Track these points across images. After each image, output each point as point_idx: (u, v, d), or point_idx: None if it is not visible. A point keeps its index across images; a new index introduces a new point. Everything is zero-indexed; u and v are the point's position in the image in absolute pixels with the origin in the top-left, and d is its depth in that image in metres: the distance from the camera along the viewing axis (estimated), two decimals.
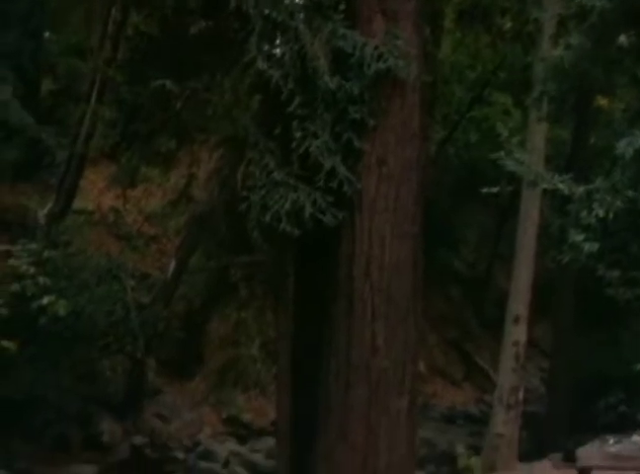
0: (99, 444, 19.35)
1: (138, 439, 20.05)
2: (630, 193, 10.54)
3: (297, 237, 10.83)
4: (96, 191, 23.98)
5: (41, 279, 12.92)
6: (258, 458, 19.53)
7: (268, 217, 10.61)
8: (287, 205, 10.51)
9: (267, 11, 11.08)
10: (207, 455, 19.59)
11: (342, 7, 11.26)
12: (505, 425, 16.63)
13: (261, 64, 10.86)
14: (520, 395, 16.88)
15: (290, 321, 11.81)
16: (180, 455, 19.79)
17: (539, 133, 17.04)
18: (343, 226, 11.19)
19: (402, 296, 11.48)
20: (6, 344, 13.29)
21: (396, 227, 11.51)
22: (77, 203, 22.10)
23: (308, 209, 10.53)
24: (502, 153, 11.67)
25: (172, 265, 21.60)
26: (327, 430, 11.17)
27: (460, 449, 19.36)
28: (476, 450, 18.34)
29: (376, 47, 11.05)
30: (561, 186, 11.25)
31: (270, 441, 18.20)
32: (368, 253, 11.27)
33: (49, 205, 20.71)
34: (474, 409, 25.33)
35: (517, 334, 16.89)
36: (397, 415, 11.31)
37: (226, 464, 19.34)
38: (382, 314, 11.29)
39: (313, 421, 11.27)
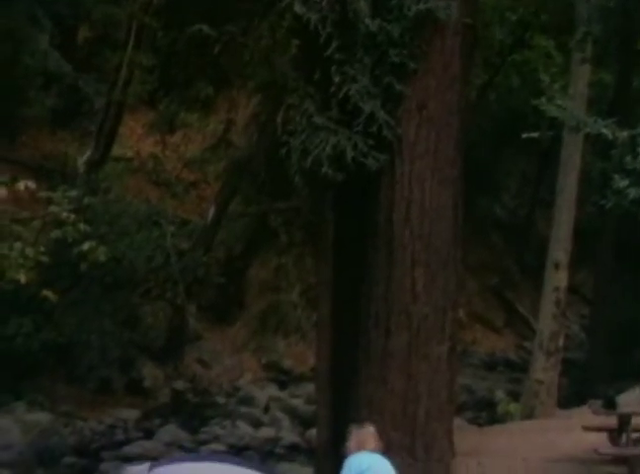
0: (141, 389, 19.58)
1: (179, 384, 20.27)
2: None
3: (337, 182, 10.75)
4: (135, 137, 24.04)
5: (82, 226, 12.93)
6: (298, 404, 19.66)
7: (309, 162, 10.52)
8: (328, 149, 10.40)
9: None
10: (248, 400, 19.75)
11: None
12: (544, 371, 16.57)
13: (299, 8, 10.68)
14: (561, 341, 16.80)
15: (330, 267, 11.76)
16: (221, 400, 19.98)
17: (582, 77, 16.74)
18: (383, 171, 11.07)
19: (442, 243, 11.38)
20: (46, 293, 13.37)
21: (436, 172, 11.37)
22: (116, 150, 22.19)
23: (349, 153, 10.41)
24: (543, 99, 11.48)
25: (211, 210, 21.65)
26: (367, 376, 11.17)
27: (500, 396, 19.36)
28: (515, 397, 18.33)
29: None
30: (604, 130, 11.06)
31: (310, 387, 18.30)
32: (409, 198, 11.16)
33: (88, 153, 20.82)
34: (514, 356, 25.31)
35: (557, 280, 16.76)
36: (437, 361, 11.28)
37: (267, 409, 19.49)
38: (422, 260, 11.20)
39: (353, 367, 11.27)
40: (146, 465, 7.29)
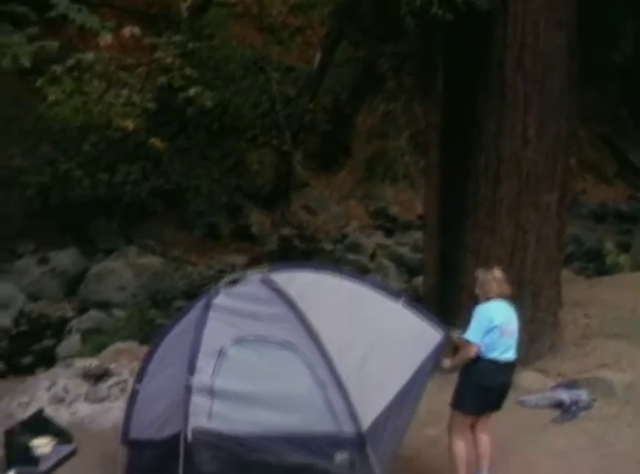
0: (248, 235, 19.87)
1: (286, 231, 20.49)
2: None
3: (447, 24, 10.35)
4: None
5: (188, 71, 12.86)
6: (404, 251, 19.70)
7: (418, 2, 10.12)
8: None
9: None
10: (355, 247, 19.88)
11: None
12: None
13: None
14: None
15: (439, 112, 11.47)
16: (328, 247, 20.15)
17: None
18: (494, 12, 10.61)
19: (555, 87, 10.95)
20: (154, 140, 13.46)
21: (551, 13, 10.86)
22: None
23: None
24: None
25: (317, 56, 21.34)
26: (475, 223, 11.01)
27: (609, 247, 18.99)
28: (625, 248, 18.04)
29: None
30: None
31: (416, 235, 18.30)
32: (521, 40, 10.71)
33: None
34: (625, 206, 24.79)
35: None
36: (546, 210, 11.04)
37: (373, 257, 19.60)
38: (534, 105, 10.82)
39: (461, 214, 11.12)
40: (265, 270, 7.58)
